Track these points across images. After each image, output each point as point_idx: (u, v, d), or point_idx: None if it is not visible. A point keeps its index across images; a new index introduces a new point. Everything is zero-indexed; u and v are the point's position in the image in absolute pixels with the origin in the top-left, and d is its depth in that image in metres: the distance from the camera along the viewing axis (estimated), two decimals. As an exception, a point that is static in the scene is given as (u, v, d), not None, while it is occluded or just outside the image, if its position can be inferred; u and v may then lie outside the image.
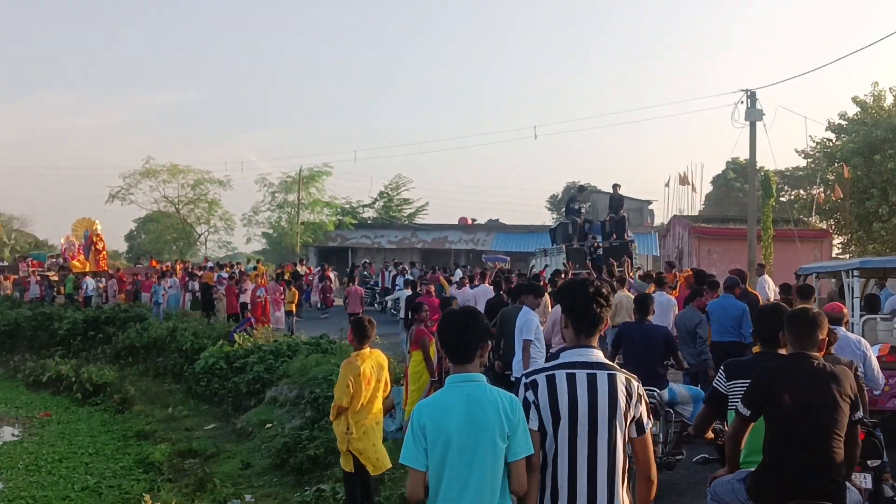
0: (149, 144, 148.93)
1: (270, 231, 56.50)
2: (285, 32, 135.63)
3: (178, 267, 34.76)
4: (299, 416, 14.86)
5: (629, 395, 3.69)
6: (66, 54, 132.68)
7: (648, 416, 3.79)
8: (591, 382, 3.67)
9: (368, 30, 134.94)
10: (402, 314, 19.63)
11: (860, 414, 4.53)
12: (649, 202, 53.92)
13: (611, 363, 3.83)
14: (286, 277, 26.22)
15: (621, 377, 3.71)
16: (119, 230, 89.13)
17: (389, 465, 7.73)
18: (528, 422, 3.67)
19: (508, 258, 42.91)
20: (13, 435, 17.94)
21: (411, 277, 23.65)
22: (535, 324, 9.17)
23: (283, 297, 23.78)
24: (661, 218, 49.08)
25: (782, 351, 4.85)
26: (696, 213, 39.65)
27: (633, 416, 3.70)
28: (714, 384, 5.13)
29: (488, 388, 3.74)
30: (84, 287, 31.66)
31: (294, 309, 23.58)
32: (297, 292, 23.63)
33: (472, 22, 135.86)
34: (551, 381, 3.71)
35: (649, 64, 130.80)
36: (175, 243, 58.58)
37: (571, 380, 3.68)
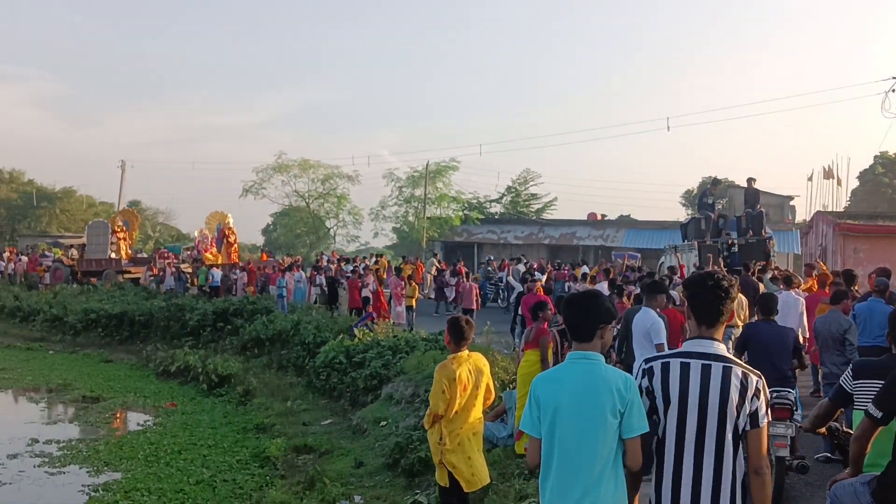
0: (288, 141, 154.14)
1: (401, 226, 56.77)
2: (414, 31, 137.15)
3: (321, 259, 35.24)
4: (414, 414, 14.44)
5: (744, 389, 3.71)
6: (210, 56, 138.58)
7: (766, 412, 3.78)
8: (705, 373, 3.74)
9: (497, 25, 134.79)
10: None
11: None
12: (790, 198, 51.62)
13: (730, 357, 3.84)
14: (407, 272, 25.97)
15: (737, 370, 3.75)
16: (257, 224, 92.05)
17: (487, 481, 7.01)
18: None
19: (639, 255, 41.79)
20: (138, 424, 18.24)
21: (532, 274, 22.97)
22: (661, 325, 8.36)
23: (403, 291, 23.52)
24: (803, 214, 46.80)
25: None
26: (842, 210, 37.42)
27: (748, 410, 3.71)
28: (840, 381, 4.97)
29: (603, 367, 3.92)
30: (210, 277, 32.34)
31: (414, 304, 23.25)
32: (416, 287, 23.30)
33: (598, 12, 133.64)
34: (665, 368, 3.83)
35: (791, 50, 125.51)
36: (307, 237, 59.65)
37: (685, 369, 3.78)
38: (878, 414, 4.31)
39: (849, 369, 4.96)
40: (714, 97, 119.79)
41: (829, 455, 5.74)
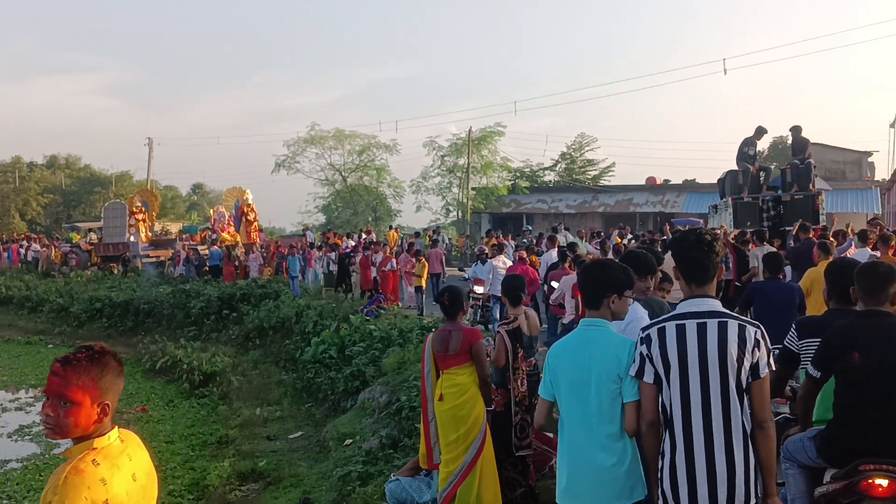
0: (361, 118, 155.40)
1: (445, 198, 53.36)
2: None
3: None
4: (382, 430, 11.30)
5: (742, 342, 3.58)
6: (285, 38, 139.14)
7: (768, 362, 3.62)
8: (701, 331, 3.61)
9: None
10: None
11: None
12: (869, 153, 47.45)
13: (725, 311, 3.68)
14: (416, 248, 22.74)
15: (733, 324, 3.62)
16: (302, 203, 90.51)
17: None
18: (643, 375, 3.71)
19: (701, 221, 38.06)
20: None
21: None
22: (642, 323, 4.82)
23: (413, 269, 20.36)
24: (883, 172, 42.69)
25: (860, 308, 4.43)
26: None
27: (750, 363, 3.58)
28: (785, 342, 4.90)
29: (607, 333, 4.00)
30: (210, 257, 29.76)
31: (423, 284, 20.01)
32: (426, 264, 20.06)
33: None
34: (661, 333, 3.68)
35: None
36: (367, 214, 55.88)
37: (681, 331, 3.64)
38: (816, 374, 4.28)
39: (793, 328, 4.92)
40: (779, 34, 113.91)
41: (787, 415, 5.41)
